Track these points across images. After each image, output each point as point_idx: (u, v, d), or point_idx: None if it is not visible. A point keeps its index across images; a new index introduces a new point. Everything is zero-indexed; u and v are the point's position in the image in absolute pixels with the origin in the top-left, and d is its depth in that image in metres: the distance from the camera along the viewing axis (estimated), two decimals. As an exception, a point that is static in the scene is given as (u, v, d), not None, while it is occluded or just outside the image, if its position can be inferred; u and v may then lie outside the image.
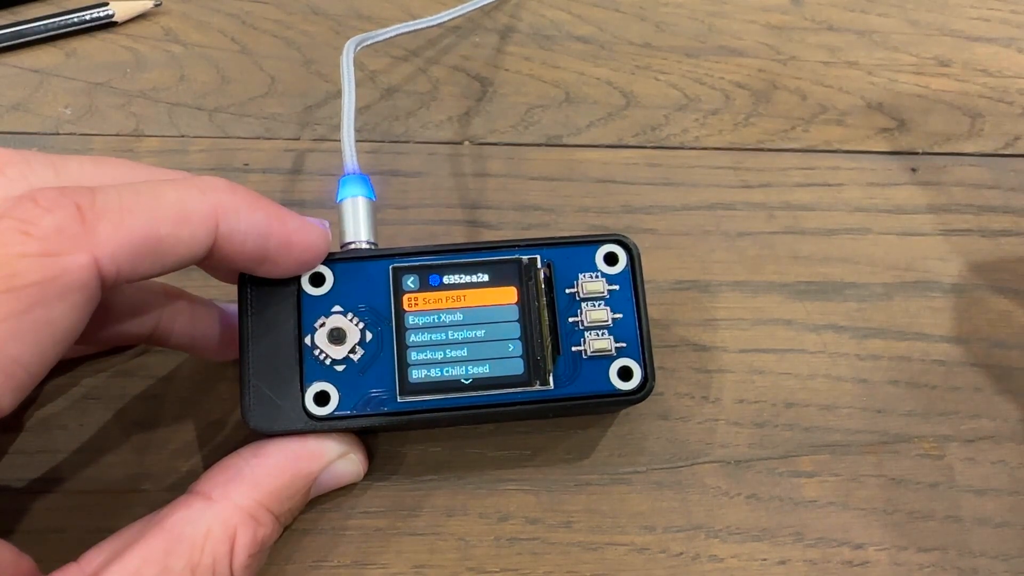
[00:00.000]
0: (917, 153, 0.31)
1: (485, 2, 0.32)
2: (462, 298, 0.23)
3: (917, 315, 0.28)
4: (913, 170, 0.31)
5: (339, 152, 0.25)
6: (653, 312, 0.27)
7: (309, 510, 0.24)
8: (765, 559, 0.24)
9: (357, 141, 0.25)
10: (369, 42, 0.28)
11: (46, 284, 0.17)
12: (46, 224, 0.17)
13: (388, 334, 0.22)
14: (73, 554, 0.20)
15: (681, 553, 0.24)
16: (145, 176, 0.21)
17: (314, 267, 0.22)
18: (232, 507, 0.20)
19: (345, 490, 0.24)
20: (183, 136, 0.29)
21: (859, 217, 0.30)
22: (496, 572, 0.24)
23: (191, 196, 0.19)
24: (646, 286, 0.23)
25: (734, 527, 0.25)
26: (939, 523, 0.25)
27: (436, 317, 0.22)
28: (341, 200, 0.24)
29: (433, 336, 0.22)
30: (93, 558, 0.19)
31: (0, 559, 0.18)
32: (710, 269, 0.28)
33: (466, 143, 0.30)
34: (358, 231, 0.24)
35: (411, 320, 0.22)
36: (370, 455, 0.24)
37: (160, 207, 0.18)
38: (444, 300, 0.23)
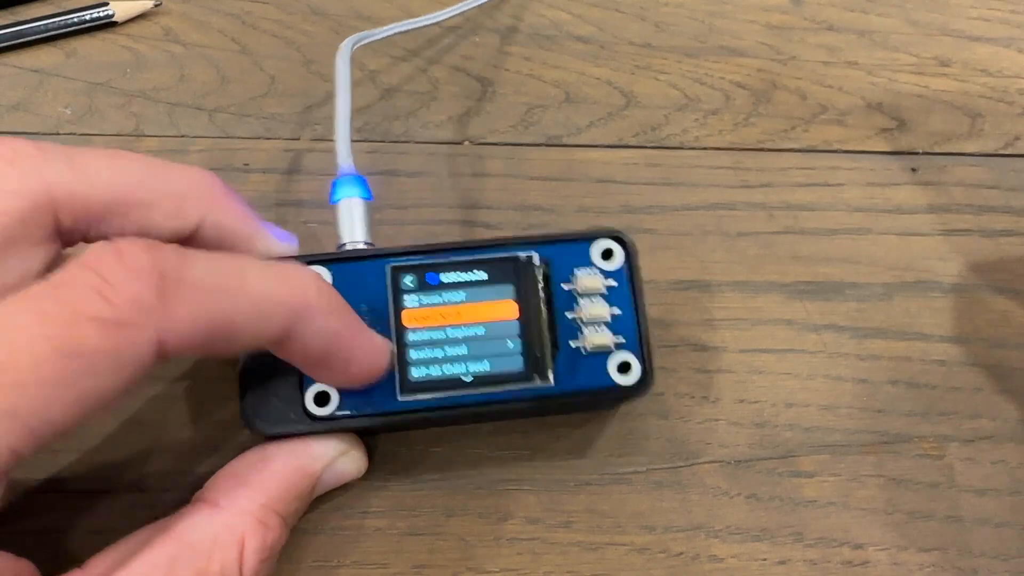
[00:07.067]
0: (917, 153, 0.31)
1: (481, 1, 0.32)
2: (461, 296, 0.23)
3: (917, 315, 0.28)
4: (913, 170, 0.31)
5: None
6: (653, 312, 0.27)
7: (309, 511, 0.24)
8: (765, 559, 0.24)
9: (357, 141, 0.25)
10: (365, 42, 0.28)
11: (106, 354, 0.16)
12: (126, 293, 0.16)
13: (387, 333, 0.22)
14: (73, 555, 0.20)
15: (681, 553, 0.24)
16: (161, 174, 0.21)
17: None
18: (239, 513, 0.20)
19: (345, 490, 0.24)
20: (183, 136, 0.29)
21: (859, 217, 0.30)
22: (496, 572, 0.24)
23: (278, 291, 0.18)
24: (646, 286, 0.23)
25: (734, 527, 0.25)
26: (939, 523, 0.25)
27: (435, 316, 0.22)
28: (336, 201, 0.24)
29: (432, 335, 0.22)
30: (98, 564, 0.19)
31: None
32: (710, 269, 0.28)
33: (466, 143, 0.30)
34: (354, 232, 0.24)
35: (410, 319, 0.22)
36: (370, 455, 0.24)
37: (243, 298, 0.17)
38: (443, 298, 0.23)
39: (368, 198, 0.24)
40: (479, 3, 0.32)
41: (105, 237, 0.20)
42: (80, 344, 0.15)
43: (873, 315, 0.28)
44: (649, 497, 0.25)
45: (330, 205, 0.24)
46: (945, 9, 0.34)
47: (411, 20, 0.29)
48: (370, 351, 0.20)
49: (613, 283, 0.23)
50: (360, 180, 0.24)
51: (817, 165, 0.31)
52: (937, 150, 0.31)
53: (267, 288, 0.18)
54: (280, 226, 0.26)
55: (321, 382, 0.21)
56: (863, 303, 0.28)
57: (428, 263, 0.23)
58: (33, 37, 0.30)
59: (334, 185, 0.24)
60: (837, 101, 0.32)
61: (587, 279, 0.23)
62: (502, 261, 0.23)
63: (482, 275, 0.23)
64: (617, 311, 0.23)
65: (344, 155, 0.25)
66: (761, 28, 0.33)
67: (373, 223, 0.24)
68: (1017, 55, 0.33)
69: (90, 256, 0.16)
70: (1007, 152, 0.31)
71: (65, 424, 0.16)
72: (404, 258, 0.23)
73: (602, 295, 0.23)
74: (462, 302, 0.22)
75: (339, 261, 0.23)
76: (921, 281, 0.29)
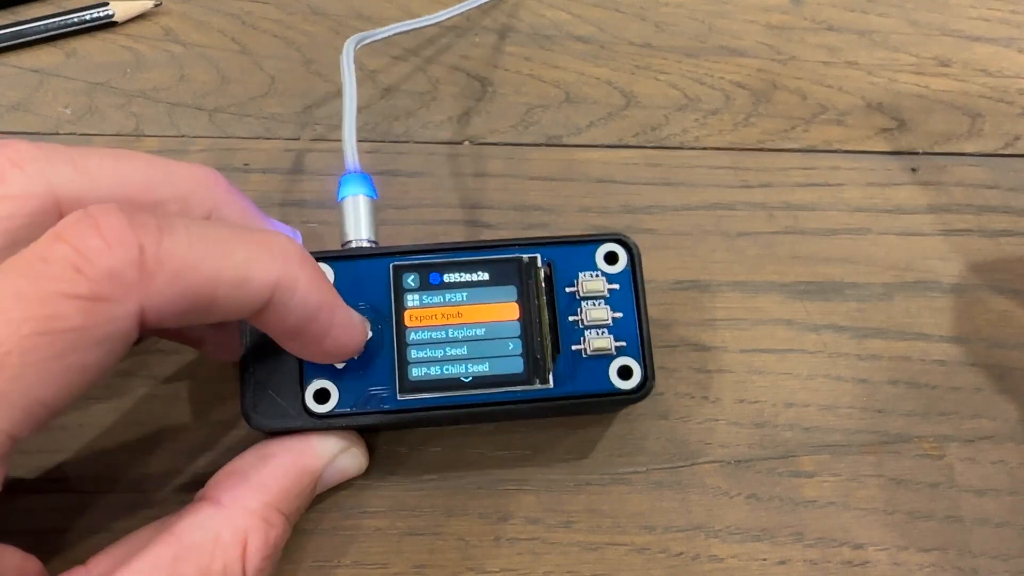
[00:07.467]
0: (917, 153, 0.31)
1: (481, 1, 0.32)
2: (462, 297, 0.23)
3: (917, 315, 0.28)
4: (913, 170, 0.31)
5: (339, 152, 0.25)
6: (653, 312, 0.27)
7: (309, 510, 0.24)
8: (765, 559, 0.24)
9: (357, 141, 0.25)
10: (369, 40, 0.28)
11: (87, 330, 0.15)
12: (103, 266, 0.16)
13: (388, 332, 0.22)
14: (74, 555, 0.20)
15: (681, 553, 0.24)
16: (165, 173, 0.20)
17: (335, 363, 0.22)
18: (241, 511, 0.20)
19: (346, 490, 0.24)
20: (183, 136, 0.29)
21: (859, 217, 0.30)
22: (496, 572, 0.24)
23: (259, 261, 0.18)
24: (646, 286, 0.23)
25: (734, 527, 0.25)
26: (939, 523, 0.25)
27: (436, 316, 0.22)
28: (342, 199, 0.24)
29: (433, 334, 0.22)
30: (101, 562, 0.19)
31: (6, 564, 0.18)
32: (710, 269, 0.28)
33: (466, 143, 0.30)
34: (359, 230, 0.24)
35: (411, 318, 0.22)
36: (370, 454, 0.24)
37: (224, 267, 0.17)
38: (444, 298, 0.23)
39: (373, 196, 0.24)
40: (479, 3, 0.32)
41: None
42: (59, 323, 0.15)
43: (873, 315, 0.28)
44: (649, 497, 0.25)
45: (334, 203, 0.24)
46: (945, 9, 0.34)
47: (413, 20, 0.29)
48: (347, 328, 0.20)
49: (616, 286, 0.23)
50: (366, 178, 0.24)
51: (817, 165, 0.31)
52: (937, 150, 0.31)
53: (250, 258, 0.18)
54: (280, 226, 0.26)
55: (293, 353, 0.21)
56: (863, 303, 0.28)
57: (431, 262, 0.23)
58: (33, 37, 0.30)
59: (340, 182, 0.24)
60: (837, 101, 0.32)
61: (590, 282, 0.23)
62: (505, 262, 0.23)
63: (484, 276, 0.23)
64: (619, 315, 0.23)
65: (350, 153, 0.25)
66: (761, 28, 0.33)
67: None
68: (1017, 55, 0.33)
69: (65, 227, 0.16)
70: (1007, 152, 0.31)
71: (58, 402, 0.16)
72: (407, 257, 0.23)
73: (604, 298, 0.23)
74: (463, 302, 0.22)
75: (342, 259, 0.23)
76: (921, 281, 0.29)
